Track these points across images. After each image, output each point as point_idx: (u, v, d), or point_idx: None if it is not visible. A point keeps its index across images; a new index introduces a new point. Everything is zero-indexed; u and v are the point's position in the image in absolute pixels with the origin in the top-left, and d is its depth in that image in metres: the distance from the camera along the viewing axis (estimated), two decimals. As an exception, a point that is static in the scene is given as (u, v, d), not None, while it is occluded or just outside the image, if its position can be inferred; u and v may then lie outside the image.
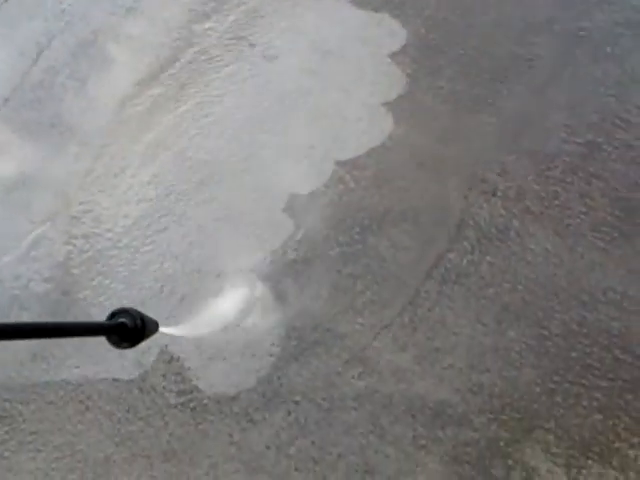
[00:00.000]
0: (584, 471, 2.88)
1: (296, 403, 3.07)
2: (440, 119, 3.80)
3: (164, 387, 3.14)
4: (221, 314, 3.12)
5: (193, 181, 3.66)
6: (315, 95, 3.89)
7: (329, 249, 3.41)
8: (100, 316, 3.29)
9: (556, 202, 3.47)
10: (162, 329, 2.37)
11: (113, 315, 2.11)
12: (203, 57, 4.06)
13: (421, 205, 3.53)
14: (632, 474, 2.87)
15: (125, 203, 3.64)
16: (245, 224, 3.51)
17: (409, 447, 2.96)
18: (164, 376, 3.17)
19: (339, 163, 3.67)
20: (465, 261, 3.35)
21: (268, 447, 2.98)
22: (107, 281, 3.39)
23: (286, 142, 3.76)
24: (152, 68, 4.09)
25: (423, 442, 2.96)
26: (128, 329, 2.07)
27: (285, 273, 3.36)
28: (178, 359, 3.20)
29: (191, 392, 3.13)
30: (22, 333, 1.74)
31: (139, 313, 2.10)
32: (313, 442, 2.99)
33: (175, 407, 3.11)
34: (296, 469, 2.93)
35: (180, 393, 3.13)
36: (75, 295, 3.36)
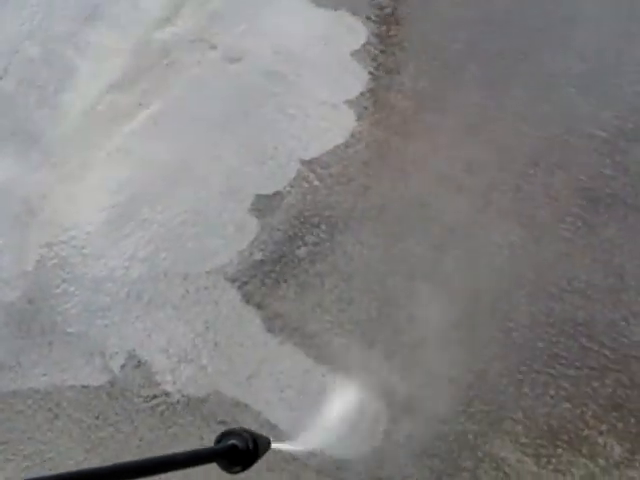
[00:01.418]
0: (553, 460, 2.89)
1: (267, 403, 3.05)
2: (403, 115, 3.80)
3: (133, 392, 3.13)
4: (334, 427, 3.08)
5: (157, 185, 3.64)
6: (278, 95, 3.89)
7: (296, 248, 3.41)
8: (65, 324, 3.27)
9: (520, 195, 3.49)
10: (275, 445, 2.30)
11: (222, 437, 2.02)
12: (165, 61, 4.04)
13: (386, 202, 3.53)
14: (601, 461, 2.89)
15: (89, 210, 3.61)
16: (211, 226, 3.50)
17: (381, 442, 2.94)
18: (132, 381, 3.15)
19: (303, 162, 3.67)
20: (431, 256, 3.35)
21: (239, 448, 2.95)
22: (72, 288, 3.37)
23: (250, 143, 3.76)
24: (113, 74, 4.07)
25: (394, 437, 2.94)
26: (240, 451, 1.97)
27: (252, 274, 3.36)
28: (146, 363, 3.18)
29: (160, 396, 3.11)
30: (129, 473, 1.62)
31: (249, 433, 2.00)
32: (285, 442, 2.95)
33: (144, 412, 3.09)
34: (268, 469, 2.93)
35: (149, 397, 3.11)
36: (40, 303, 3.34)
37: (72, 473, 1.37)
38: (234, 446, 1.89)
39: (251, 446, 1.90)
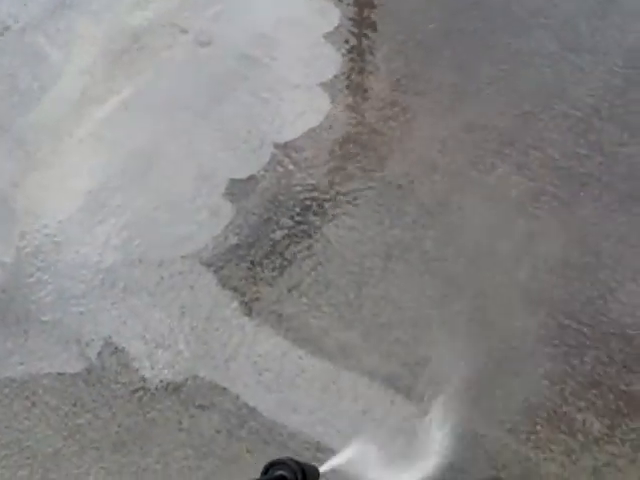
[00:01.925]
0: (533, 437, 2.89)
1: (245, 386, 3.03)
2: (377, 97, 3.80)
3: (110, 379, 3.10)
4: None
5: (130, 171, 3.61)
6: (250, 79, 3.87)
7: (271, 232, 3.39)
8: (39, 312, 3.23)
9: (495, 174, 3.48)
10: (324, 470, 2.23)
11: (269, 467, 1.96)
12: (136, 46, 4.02)
13: (361, 184, 3.52)
14: (580, 437, 2.89)
15: (61, 197, 3.58)
16: (185, 211, 3.48)
17: (359, 421, 2.93)
18: (109, 368, 3.12)
19: (277, 146, 3.65)
20: (408, 236, 3.35)
21: (218, 431, 2.95)
22: (46, 276, 3.33)
23: (223, 127, 3.74)
24: (84, 61, 4.03)
25: (373, 415, 2.93)
26: None
27: (228, 258, 3.34)
28: (123, 350, 3.16)
29: (138, 382, 3.09)
30: None
31: (297, 463, 1.94)
32: (263, 424, 2.95)
33: (122, 398, 3.07)
34: (247, 451, 2.91)
35: (127, 384, 3.09)
36: (14, 292, 3.30)
37: None
38: (283, 477, 1.84)
39: (300, 477, 1.84)
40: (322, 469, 2.07)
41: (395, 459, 2.75)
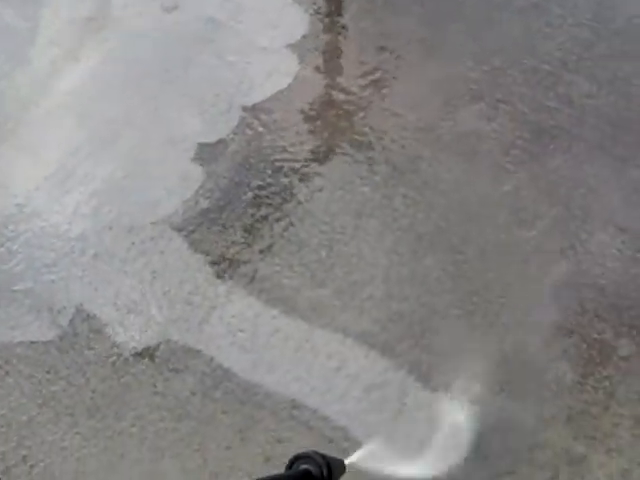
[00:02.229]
0: (507, 387, 2.93)
1: (219, 348, 3.02)
2: (346, 57, 3.78)
3: (83, 345, 3.09)
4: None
5: (98, 139, 3.59)
6: (217, 43, 3.85)
7: (242, 194, 3.38)
8: (10, 282, 3.21)
9: (465, 129, 3.47)
10: (349, 462, 2.20)
11: (294, 461, 1.92)
12: (101, 14, 3.95)
13: (331, 144, 3.51)
14: (553, 386, 2.92)
15: (30, 168, 3.55)
16: (154, 177, 3.47)
17: (335, 378, 2.93)
18: (82, 334, 3.11)
19: (246, 109, 3.63)
20: (379, 195, 3.35)
21: (193, 393, 2.95)
22: (15, 246, 3.31)
23: (190, 92, 3.72)
24: (49, 30, 3.98)
25: (347, 371, 2.93)
26: (314, 477, 1.87)
27: (199, 222, 3.33)
28: (95, 316, 3.15)
29: (111, 348, 3.07)
30: None
31: (322, 456, 1.90)
32: (238, 384, 2.96)
33: (96, 364, 3.06)
34: (223, 412, 2.91)
35: (99, 350, 3.09)
36: (-17, 263, 3.27)
37: None
38: (308, 472, 1.80)
39: (325, 472, 1.81)
40: (347, 461, 2.05)
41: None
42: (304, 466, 1.80)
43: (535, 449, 2.78)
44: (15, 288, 3.22)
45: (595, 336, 3.00)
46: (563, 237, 3.19)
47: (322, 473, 1.79)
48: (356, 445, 2.79)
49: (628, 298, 3.05)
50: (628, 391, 2.88)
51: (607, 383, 2.90)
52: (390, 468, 2.61)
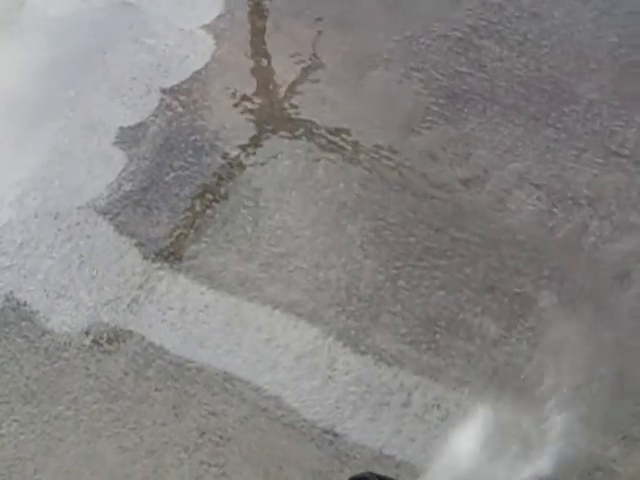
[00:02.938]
0: (433, 345, 2.98)
1: (150, 327, 3.06)
2: (262, 35, 3.81)
3: (14, 333, 3.11)
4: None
5: (19, 127, 3.59)
6: (133, 27, 3.86)
7: (164, 175, 3.41)
8: None
9: (381, 98, 3.54)
10: None
11: None
12: (15, 4, 3.95)
13: (251, 120, 3.55)
14: (478, 341, 2.99)
15: (-49, 160, 3.52)
16: (77, 163, 3.48)
17: (265, 349, 2.99)
18: (13, 323, 3.12)
19: (165, 91, 3.66)
20: (300, 167, 3.40)
21: (126, 373, 2.98)
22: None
23: (109, 77, 3.73)
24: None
25: (277, 342, 2.99)
26: None
27: (123, 204, 3.36)
28: (25, 304, 3.16)
29: (42, 334, 3.09)
30: None
31: (378, 477, 1.89)
32: (170, 362, 3.00)
33: (28, 350, 3.07)
34: (156, 389, 2.95)
35: (31, 336, 3.11)
36: None
37: None
38: None
39: None
40: None
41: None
42: None
43: (461, 402, 2.86)
44: (-58, 281, 3.21)
45: (516, 290, 3.09)
46: (480, 197, 3.25)
47: None
48: (290, 413, 2.84)
49: (546, 251, 3.15)
50: (551, 341, 2.96)
51: (530, 334, 3.00)
52: None
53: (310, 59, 3.66)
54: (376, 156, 3.39)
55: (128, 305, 3.10)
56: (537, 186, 3.27)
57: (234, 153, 3.42)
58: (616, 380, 2.87)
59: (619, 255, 3.12)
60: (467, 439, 2.72)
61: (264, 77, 3.66)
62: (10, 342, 3.08)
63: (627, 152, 3.34)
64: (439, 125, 3.46)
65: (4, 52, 3.85)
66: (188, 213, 3.30)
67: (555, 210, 3.21)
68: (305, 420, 2.86)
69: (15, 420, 2.92)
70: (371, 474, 1.80)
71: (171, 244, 3.23)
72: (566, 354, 2.90)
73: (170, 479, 2.79)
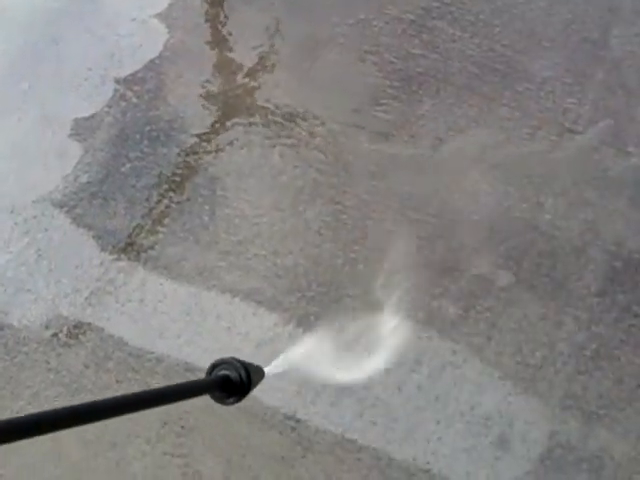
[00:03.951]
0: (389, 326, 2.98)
1: (109, 319, 3.05)
2: (214, 21, 3.80)
3: (-28, 327, 3.07)
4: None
5: (-29, 122, 3.54)
6: (85, 18, 3.84)
7: (120, 166, 3.40)
8: None
9: (334, 82, 3.54)
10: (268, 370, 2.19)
11: (212, 368, 1.90)
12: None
13: (206, 106, 3.53)
14: (438, 323, 3.00)
15: None
16: (32, 157, 3.46)
17: (226, 338, 2.99)
18: (-29, 319, 3.09)
19: (119, 81, 3.64)
20: (256, 153, 3.42)
21: (87, 366, 2.98)
22: None
23: (62, 68, 3.70)
24: None
25: (237, 330, 3.00)
26: (233, 382, 1.84)
27: (80, 197, 3.34)
28: (-18, 300, 3.12)
29: (1, 329, 3.08)
30: (116, 409, 1.48)
31: (241, 362, 1.89)
32: (130, 353, 2.99)
33: (-13, 347, 3.04)
34: (117, 381, 2.95)
35: (-10, 333, 3.07)
36: None
37: (63, 410, 1.28)
38: (227, 377, 1.82)
39: (244, 376, 1.83)
40: (267, 369, 2.10)
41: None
42: (223, 372, 1.84)
43: (422, 383, 2.88)
44: None
45: (474, 271, 3.10)
46: (436, 179, 3.27)
47: (241, 378, 1.84)
48: (251, 401, 2.85)
49: (502, 231, 3.18)
50: (509, 320, 2.99)
51: (488, 314, 3.02)
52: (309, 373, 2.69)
53: (263, 45, 3.64)
54: (331, 140, 3.38)
55: (87, 298, 3.09)
56: (493, 166, 3.28)
57: (190, 142, 3.40)
58: (575, 357, 2.89)
59: (575, 232, 3.13)
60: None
61: (218, 64, 3.65)
62: (-31, 339, 3.04)
63: (580, 129, 3.34)
64: (394, 107, 3.47)
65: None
66: (145, 204, 3.28)
67: (510, 189, 3.22)
68: (267, 407, 2.87)
69: (-24, 417, 2.89)
70: (233, 358, 1.83)
71: (128, 235, 3.22)
72: (524, 333, 2.92)
73: (133, 471, 2.79)
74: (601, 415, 2.82)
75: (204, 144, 3.39)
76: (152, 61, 3.67)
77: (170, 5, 3.82)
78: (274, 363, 2.42)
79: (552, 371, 2.89)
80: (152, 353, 2.97)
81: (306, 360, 2.62)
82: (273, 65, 3.61)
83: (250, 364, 1.88)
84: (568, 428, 2.80)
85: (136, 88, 3.59)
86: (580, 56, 3.57)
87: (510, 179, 3.26)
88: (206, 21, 3.78)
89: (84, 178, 3.37)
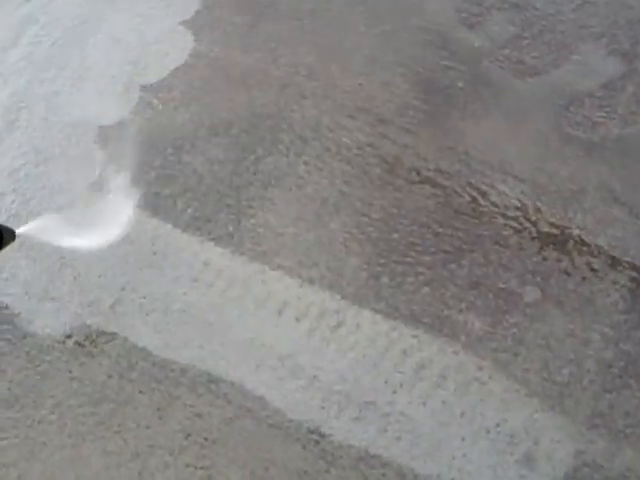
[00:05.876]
0: (414, 340, 2.96)
1: (133, 328, 3.04)
2: (240, 30, 3.78)
3: (-4, 337, 3.06)
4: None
5: (-2, 128, 3.54)
6: (110, 23, 3.81)
7: (145, 173, 3.37)
8: None
9: (361, 94, 3.51)
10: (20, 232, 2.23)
11: None
12: None
13: (232, 117, 3.52)
14: (463, 337, 2.98)
15: None
16: (59, 163, 3.44)
17: (250, 349, 2.97)
18: (-6, 326, 3.08)
19: (144, 88, 3.62)
20: (282, 164, 3.36)
21: (110, 376, 2.96)
22: None
23: (87, 75, 3.69)
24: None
25: (261, 342, 2.98)
26: None
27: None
28: (7, 307, 3.14)
29: (24, 337, 3.06)
30: None
31: None
32: (154, 363, 2.98)
33: (11, 354, 3.05)
34: (140, 392, 2.93)
35: (14, 340, 3.08)
36: None
37: None
38: None
39: None
40: (19, 231, 2.11)
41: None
42: None
43: (447, 399, 2.85)
44: None
45: (501, 286, 3.08)
46: (464, 191, 3.24)
47: None
48: (275, 413, 2.84)
49: (528, 247, 3.13)
50: (536, 336, 2.96)
51: (515, 330, 2.98)
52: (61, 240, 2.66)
53: (287, 54, 3.64)
54: (359, 152, 3.34)
55: (110, 307, 3.08)
56: (521, 180, 3.26)
57: (214, 150, 3.37)
58: (602, 375, 2.86)
59: (603, 247, 3.10)
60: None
61: (242, 72, 3.62)
62: (-8, 346, 3.03)
63: (609, 144, 3.30)
64: (421, 120, 3.44)
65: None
66: (168, 212, 3.27)
67: (539, 204, 3.18)
68: (291, 420, 2.85)
69: (-2, 426, 2.89)
70: None
71: (152, 243, 3.22)
72: (551, 349, 2.89)
73: (156, 482, 2.77)
74: (628, 434, 2.77)
75: (230, 153, 3.36)
76: (178, 69, 3.67)
77: (197, 13, 3.81)
78: (23, 227, 2.42)
79: (579, 388, 2.84)
80: (176, 363, 2.97)
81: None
82: (300, 75, 3.57)
83: (2, 225, 1.85)
84: (594, 447, 2.76)
85: (162, 95, 3.60)
86: (610, 68, 3.52)
87: (539, 193, 3.22)
88: (234, 31, 3.75)
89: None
